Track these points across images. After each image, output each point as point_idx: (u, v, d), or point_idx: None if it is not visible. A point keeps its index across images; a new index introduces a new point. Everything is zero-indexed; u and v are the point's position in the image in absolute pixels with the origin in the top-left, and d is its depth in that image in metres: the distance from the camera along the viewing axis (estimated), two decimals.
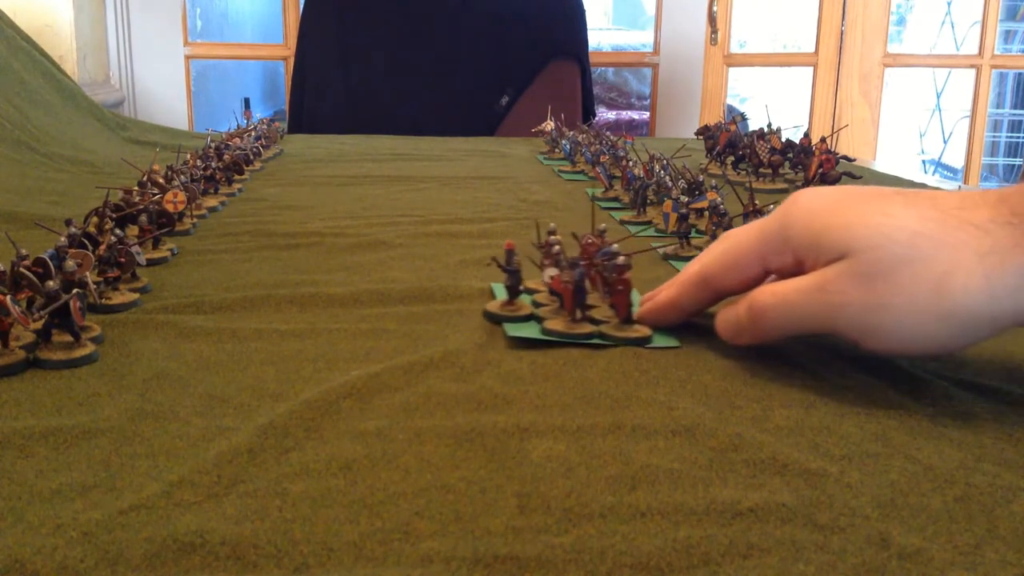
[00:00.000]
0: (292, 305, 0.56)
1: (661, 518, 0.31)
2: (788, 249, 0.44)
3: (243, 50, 3.19)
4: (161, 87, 2.68)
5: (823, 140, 0.99)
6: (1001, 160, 3.99)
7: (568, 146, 1.24)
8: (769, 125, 1.10)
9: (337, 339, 0.50)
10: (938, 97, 3.92)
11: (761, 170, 1.04)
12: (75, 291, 0.46)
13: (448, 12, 2.10)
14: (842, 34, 2.83)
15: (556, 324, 0.49)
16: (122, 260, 0.56)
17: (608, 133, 1.21)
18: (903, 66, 2.97)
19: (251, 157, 1.13)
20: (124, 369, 0.45)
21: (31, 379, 0.43)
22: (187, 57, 2.71)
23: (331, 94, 2.11)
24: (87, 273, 0.52)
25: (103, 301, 0.53)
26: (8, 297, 0.43)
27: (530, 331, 0.50)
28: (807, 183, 0.99)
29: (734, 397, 0.42)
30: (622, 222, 0.83)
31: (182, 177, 0.83)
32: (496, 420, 0.39)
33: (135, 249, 0.58)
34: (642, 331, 0.49)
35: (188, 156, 0.98)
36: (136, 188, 0.76)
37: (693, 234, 0.69)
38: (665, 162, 0.90)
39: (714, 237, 0.66)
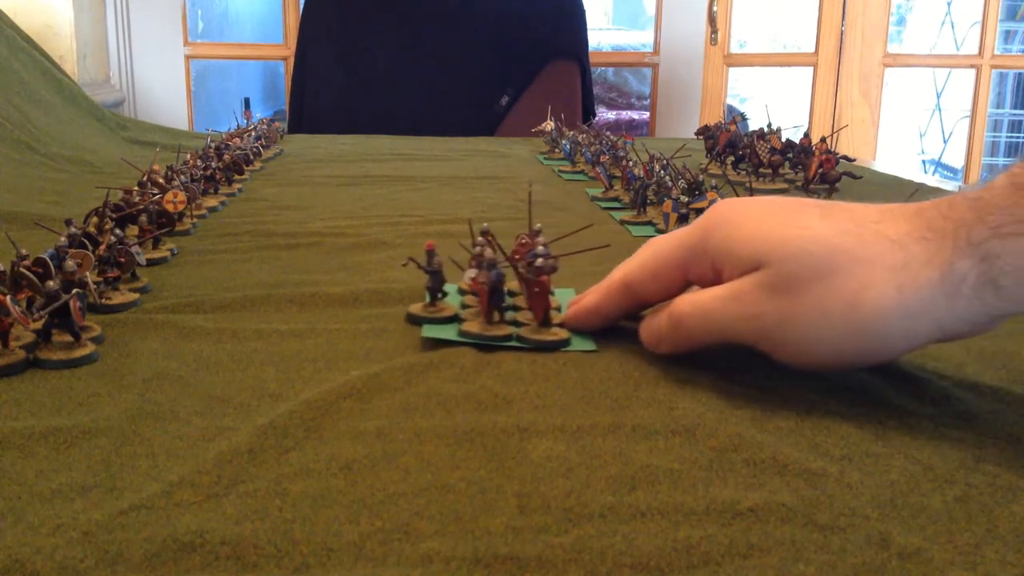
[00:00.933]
0: (292, 305, 0.56)
1: (661, 518, 0.31)
2: (707, 259, 0.44)
3: (243, 50, 3.19)
4: (161, 87, 2.69)
5: (823, 140, 0.99)
6: (1001, 160, 3.99)
7: (568, 146, 1.24)
8: (769, 125, 1.10)
9: (337, 339, 0.50)
10: (938, 97, 3.92)
11: (761, 170, 1.04)
12: (75, 291, 0.46)
13: (448, 12, 2.10)
14: (842, 34, 2.83)
15: (472, 326, 0.49)
16: (122, 260, 0.56)
17: (608, 133, 1.21)
18: (903, 66, 2.98)
19: (251, 157, 1.13)
20: (124, 369, 0.45)
21: (31, 379, 0.43)
22: (187, 57, 2.71)
23: (331, 94, 2.10)
24: (87, 273, 0.52)
25: (103, 301, 0.53)
26: (8, 297, 0.43)
27: (447, 332, 0.49)
28: (807, 183, 0.99)
29: (734, 397, 0.42)
30: (622, 222, 0.83)
31: (182, 177, 0.83)
32: (496, 420, 0.39)
33: (135, 249, 0.58)
34: (559, 334, 0.48)
35: (188, 156, 0.98)
36: (136, 188, 0.76)
37: None
38: (665, 162, 0.90)
39: None
